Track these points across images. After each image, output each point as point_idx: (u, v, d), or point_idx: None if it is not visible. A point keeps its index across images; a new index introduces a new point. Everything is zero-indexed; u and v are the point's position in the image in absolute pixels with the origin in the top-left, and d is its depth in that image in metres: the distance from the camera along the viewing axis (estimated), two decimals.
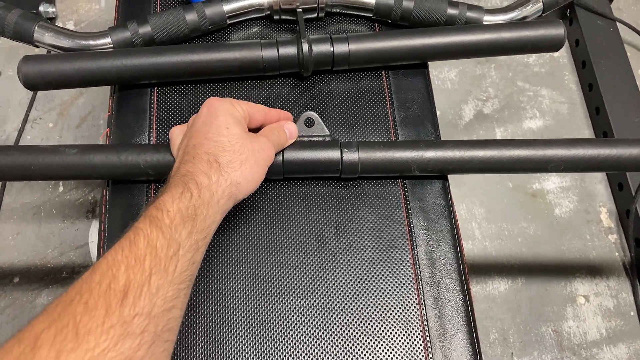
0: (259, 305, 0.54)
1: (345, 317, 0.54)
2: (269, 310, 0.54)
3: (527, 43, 0.64)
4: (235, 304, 0.54)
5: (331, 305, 0.54)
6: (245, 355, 0.52)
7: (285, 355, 0.52)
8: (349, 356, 0.52)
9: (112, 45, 0.64)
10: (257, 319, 0.53)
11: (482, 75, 1.29)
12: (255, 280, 0.55)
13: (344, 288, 0.55)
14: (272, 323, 0.53)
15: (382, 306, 0.54)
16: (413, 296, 0.55)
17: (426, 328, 0.54)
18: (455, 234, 0.59)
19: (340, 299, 0.55)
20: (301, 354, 0.52)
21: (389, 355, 0.53)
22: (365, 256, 0.57)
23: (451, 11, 0.66)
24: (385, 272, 0.56)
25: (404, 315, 0.54)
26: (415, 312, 0.54)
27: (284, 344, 0.53)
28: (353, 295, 0.55)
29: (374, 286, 0.55)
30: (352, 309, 0.54)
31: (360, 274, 0.56)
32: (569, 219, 1.14)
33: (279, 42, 0.62)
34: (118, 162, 0.57)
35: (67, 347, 0.33)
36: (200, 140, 0.49)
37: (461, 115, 1.25)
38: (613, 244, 1.12)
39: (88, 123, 1.23)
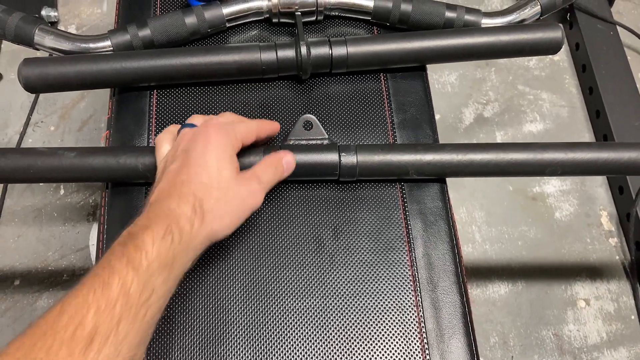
0: (255, 307, 0.54)
1: (342, 319, 0.54)
2: (266, 311, 0.54)
3: (525, 46, 0.64)
4: (232, 305, 0.54)
5: (328, 306, 0.55)
6: (241, 358, 0.52)
7: (281, 358, 0.52)
8: (345, 357, 0.52)
9: (112, 48, 0.64)
10: (253, 320, 0.53)
11: (482, 79, 1.30)
12: (252, 281, 0.55)
13: (341, 289, 0.55)
14: (269, 325, 0.53)
15: (379, 308, 0.55)
16: (410, 298, 0.55)
17: (423, 330, 0.54)
18: (453, 236, 0.59)
19: (338, 300, 0.55)
20: (298, 357, 0.52)
21: (385, 357, 0.53)
22: (363, 258, 0.57)
23: (449, 14, 0.67)
24: (382, 274, 0.56)
25: (401, 317, 0.54)
26: (413, 314, 0.54)
27: (281, 346, 0.53)
28: (350, 297, 0.55)
29: (371, 288, 0.55)
30: (349, 310, 0.54)
31: (358, 276, 0.56)
32: (569, 222, 1.14)
33: (278, 45, 0.62)
34: (116, 165, 0.57)
35: None
36: (189, 177, 0.48)
37: (461, 119, 1.25)
38: (614, 248, 1.12)
39: (89, 126, 1.23)
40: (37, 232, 1.11)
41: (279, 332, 0.53)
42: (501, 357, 1.02)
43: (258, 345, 0.53)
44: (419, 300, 0.55)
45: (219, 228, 0.48)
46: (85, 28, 1.33)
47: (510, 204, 1.16)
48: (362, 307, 0.55)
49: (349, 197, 0.60)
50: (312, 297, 0.55)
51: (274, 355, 0.52)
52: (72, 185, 1.15)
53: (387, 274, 0.56)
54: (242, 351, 0.52)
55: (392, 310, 0.55)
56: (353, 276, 0.56)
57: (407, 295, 0.55)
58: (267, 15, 0.68)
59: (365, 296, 0.55)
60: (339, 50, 0.62)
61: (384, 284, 0.56)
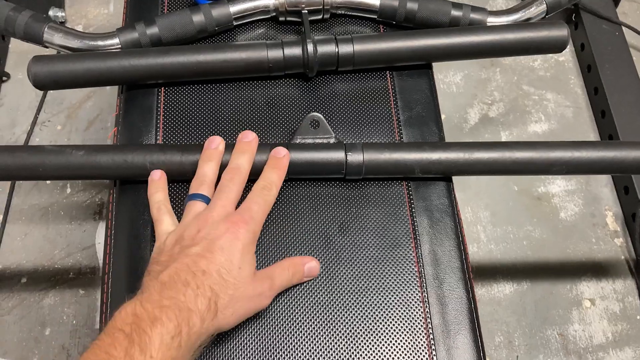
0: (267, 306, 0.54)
1: (349, 314, 0.54)
2: (272, 306, 0.54)
3: (531, 44, 0.64)
4: None
5: (335, 301, 0.55)
6: (247, 349, 0.52)
7: (288, 351, 0.52)
8: (352, 352, 0.53)
9: (120, 46, 0.64)
10: (261, 316, 0.54)
11: (487, 79, 1.30)
12: None
13: (348, 285, 0.56)
14: (276, 319, 0.54)
15: (385, 303, 0.55)
16: (417, 294, 0.55)
17: (429, 325, 0.54)
18: (459, 233, 0.59)
19: (345, 296, 0.55)
20: (304, 350, 0.53)
21: (392, 352, 0.53)
22: (369, 254, 0.57)
23: (455, 13, 0.67)
24: (389, 270, 0.56)
25: (407, 313, 0.54)
26: (419, 310, 0.55)
27: (287, 340, 0.53)
28: (357, 292, 0.55)
29: (378, 284, 0.56)
30: (356, 305, 0.55)
31: (364, 272, 0.56)
32: (574, 222, 1.14)
33: (284, 43, 0.63)
34: (124, 163, 0.57)
35: None
36: (209, 268, 0.47)
37: (466, 119, 1.25)
38: (619, 248, 1.12)
39: (96, 126, 1.24)
40: (44, 231, 1.11)
41: (286, 327, 0.53)
42: (506, 357, 1.02)
43: (265, 340, 0.53)
44: (425, 296, 0.55)
45: (225, 325, 0.48)
46: (92, 28, 1.34)
47: (515, 204, 1.16)
48: (368, 302, 0.55)
49: (356, 194, 0.60)
50: (320, 292, 0.55)
51: (281, 350, 0.53)
52: (79, 184, 1.16)
53: (394, 270, 0.56)
54: (248, 346, 0.52)
55: (399, 305, 0.55)
56: (360, 272, 0.56)
57: (414, 291, 0.55)
58: (274, 14, 0.68)
59: (372, 292, 0.55)
60: (346, 48, 0.63)
61: (390, 280, 0.56)
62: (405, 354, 0.53)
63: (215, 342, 0.52)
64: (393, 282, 0.56)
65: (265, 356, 0.52)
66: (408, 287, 0.56)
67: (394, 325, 0.54)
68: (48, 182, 1.16)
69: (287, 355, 0.52)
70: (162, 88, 0.65)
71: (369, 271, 0.56)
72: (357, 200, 0.60)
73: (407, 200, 0.60)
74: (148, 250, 0.56)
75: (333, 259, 0.57)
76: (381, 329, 0.54)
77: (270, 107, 0.65)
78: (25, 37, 0.64)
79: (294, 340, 0.53)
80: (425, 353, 0.53)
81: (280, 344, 0.53)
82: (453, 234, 0.59)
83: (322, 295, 0.55)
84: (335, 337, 0.53)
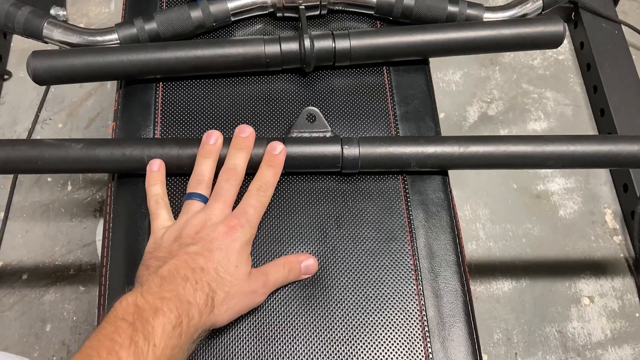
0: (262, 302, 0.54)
1: (344, 307, 0.55)
2: (267, 301, 0.54)
3: (527, 39, 0.65)
4: None
5: (331, 294, 0.55)
6: (242, 342, 0.53)
7: (282, 345, 0.53)
8: (347, 344, 0.53)
9: (119, 41, 0.65)
10: (256, 310, 0.54)
11: (486, 78, 1.30)
12: None
13: (344, 278, 0.56)
14: (272, 312, 0.54)
15: (381, 296, 0.55)
16: (412, 286, 0.56)
17: (425, 318, 0.54)
18: (455, 227, 0.60)
19: (340, 288, 0.55)
20: (300, 342, 0.53)
21: (387, 344, 0.53)
22: (365, 247, 0.57)
23: (451, 8, 0.67)
24: (384, 263, 0.57)
25: (402, 305, 0.55)
26: (414, 302, 0.55)
27: (282, 334, 0.53)
28: (352, 285, 0.55)
29: (374, 276, 0.56)
30: (351, 298, 0.55)
31: (360, 265, 0.56)
32: (573, 220, 1.14)
33: (282, 38, 0.63)
34: (122, 156, 0.58)
35: None
36: (208, 265, 0.48)
37: (466, 117, 1.26)
38: (618, 245, 1.12)
39: (97, 124, 1.25)
40: (45, 228, 1.12)
41: (281, 321, 0.54)
42: (505, 354, 1.03)
43: (259, 333, 0.53)
44: (420, 288, 0.56)
45: (221, 321, 0.49)
46: (93, 27, 1.35)
47: (514, 202, 1.16)
48: (364, 295, 0.55)
49: (352, 188, 0.60)
50: (316, 285, 0.55)
51: (276, 343, 0.53)
52: (79, 182, 1.17)
53: (389, 263, 0.57)
54: (243, 340, 0.53)
55: (394, 298, 0.55)
56: (355, 265, 0.56)
57: (409, 284, 0.56)
58: (272, 10, 0.69)
59: (368, 284, 0.56)
60: (342, 43, 0.63)
61: (385, 273, 0.56)
62: (400, 346, 0.53)
63: (210, 337, 0.53)
64: (388, 275, 0.56)
65: (260, 349, 0.52)
66: (403, 279, 0.56)
67: (389, 317, 0.54)
68: (49, 179, 1.16)
69: (281, 347, 0.53)
70: (160, 83, 0.66)
71: (365, 264, 0.57)
72: (354, 194, 0.60)
73: (403, 194, 0.60)
74: (146, 243, 0.57)
75: (329, 252, 0.57)
76: (376, 321, 0.54)
77: (267, 102, 0.65)
78: (24, 33, 0.65)
79: (289, 333, 0.53)
80: (420, 345, 0.53)
81: (276, 337, 0.53)
82: (449, 227, 0.59)
83: (317, 287, 0.55)
84: (331, 330, 0.54)
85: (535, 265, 1.10)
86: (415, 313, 0.55)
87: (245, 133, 0.57)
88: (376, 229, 0.58)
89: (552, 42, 0.65)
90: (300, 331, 0.53)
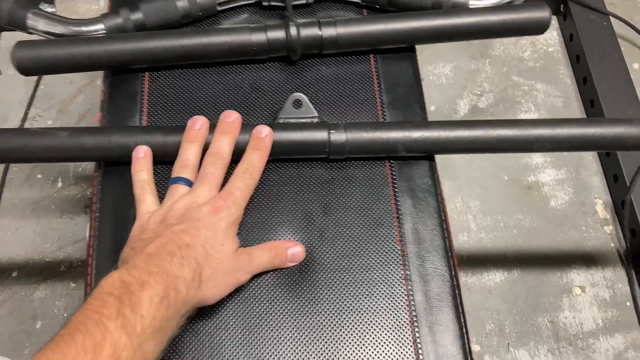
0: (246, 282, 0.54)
1: (331, 292, 0.54)
2: (256, 286, 0.54)
3: (512, 26, 0.65)
4: None
5: (318, 280, 0.55)
6: (229, 328, 0.52)
7: (270, 330, 0.53)
8: (335, 329, 0.53)
9: (104, 31, 0.65)
10: (243, 295, 0.54)
11: (476, 70, 1.30)
12: None
13: (331, 263, 0.56)
14: (258, 298, 0.54)
15: (368, 281, 0.55)
16: (399, 271, 0.56)
17: (412, 302, 0.54)
18: (442, 212, 0.60)
19: (327, 274, 0.55)
20: (287, 328, 0.53)
21: (374, 329, 0.53)
22: (352, 233, 0.57)
23: None
24: (371, 248, 0.57)
25: (389, 290, 0.55)
26: (401, 287, 0.55)
27: (270, 320, 0.53)
28: (340, 271, 0.55)
29: (361, 262, 0.56)
30: (338, 283, 0.55)
31: (347, 250, 0.56)
32: (564, 210, 1.15)
33: (268, 26, 0.63)
34: (108, 143, 0.58)
35: None
36: (194, 242, 0.48)
37: (456, 110, 1.26)
38: (609, 235, 1.12)
39: (87, 120, 1.24)
40: (35, 225, 1.11)
41: (268, 307, 0.54)
42: (497, 344, 1.03)
43: (248, 315, 0.53)
44: (407, 273, 0.56)
45: (209, 297, 0.49)
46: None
47: (506, 193, 1.16)
48: (351, 280, 0.55)
49: (339, 175, 0.60)
50: (303, 272, 0.55)
51: (263, 329, 0.53)
52: (70, 178, 1.16)
53: (376, 248, 0.57)
54: (231, 322, 0.53)
55: (381, 283, 0.55)
56: (342, 251, 0.56)
57: (396, 269, 0.56)
58: None
59: (355, 270, 0.56)
60: (329, 31, 0.63)
61: (373, 258, 0.56)
62: (388, 331, 0.53)
63: (198, 319, 0.52)
64: (376, 260, 0.56)
65: (249, 333, 0.52)
66: (390, 265, 0.56)
67: (376, 302, 0.54)
68: (39, 176, 1.16)
69: (269, 332, 0.53)
70: (147, 73, 0.66)
71: (352, 250, 0.56)
72: (341, 180, 0.60)
73: (390, 180, 0.60)
74: None
75: (316, 238, 0.57)
76: (363, 306, 0.54)
77: (254, 90, 0.65)
78: (9, 23, 0.64)
79: (277, 318, 0.53)
80: (408, 330, 0.53)
81: (263, 323, 0.53)
82: (435, 213, 0.59)
83: (305, 273, 0.55)
84: (318, 314, 0.54)
85: (526, 256, 1.11)
86: (403, 298, 0.55)
87: (230, 118, 0.57)
88: (363, 215, 0.58)
89: (538, 28, 0.65)
90: (287, 317, 0.53)
